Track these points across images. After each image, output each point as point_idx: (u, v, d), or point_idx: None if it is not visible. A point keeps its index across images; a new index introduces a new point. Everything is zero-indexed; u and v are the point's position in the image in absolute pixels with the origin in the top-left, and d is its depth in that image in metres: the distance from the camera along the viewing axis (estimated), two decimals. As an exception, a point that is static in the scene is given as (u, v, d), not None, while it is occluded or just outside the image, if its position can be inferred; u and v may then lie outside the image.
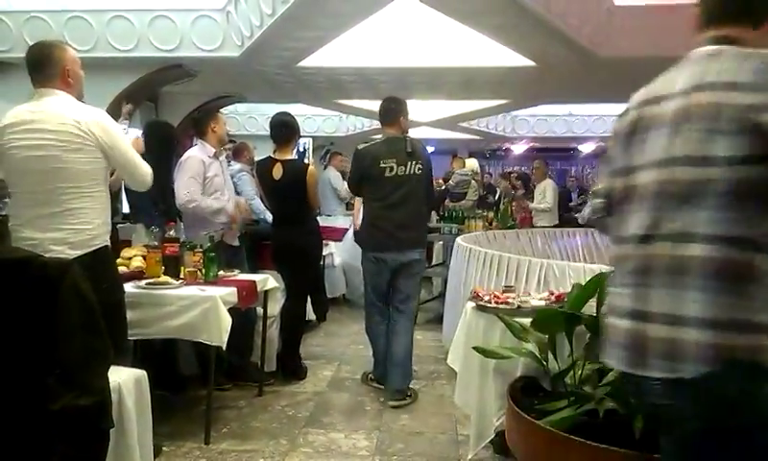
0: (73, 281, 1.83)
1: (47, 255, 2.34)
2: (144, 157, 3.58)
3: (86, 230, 2.43)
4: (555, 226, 7.10)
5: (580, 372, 1.98)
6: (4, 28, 5.87)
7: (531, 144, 13.16)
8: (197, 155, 3.61)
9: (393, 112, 3.66)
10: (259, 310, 3.57)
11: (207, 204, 3.55)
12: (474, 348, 2.21)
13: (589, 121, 11.25)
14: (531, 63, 6.22)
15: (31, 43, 6.01)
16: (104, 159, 2.47)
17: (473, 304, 2.50)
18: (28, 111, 2.42)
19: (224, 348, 2.83)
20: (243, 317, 3.40)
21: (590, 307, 2.07)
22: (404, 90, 7.96)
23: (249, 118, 10.71)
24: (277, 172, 3.79)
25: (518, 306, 2.36)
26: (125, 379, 2.26)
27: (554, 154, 14.41)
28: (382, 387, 3.67)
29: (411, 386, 3.67)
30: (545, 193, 7.43)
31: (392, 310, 3.68)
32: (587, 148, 13.58)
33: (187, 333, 2.80)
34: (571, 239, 6.34)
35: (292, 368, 3.83)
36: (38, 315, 1.74)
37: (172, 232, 3.17)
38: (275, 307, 3.66)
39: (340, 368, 4.13)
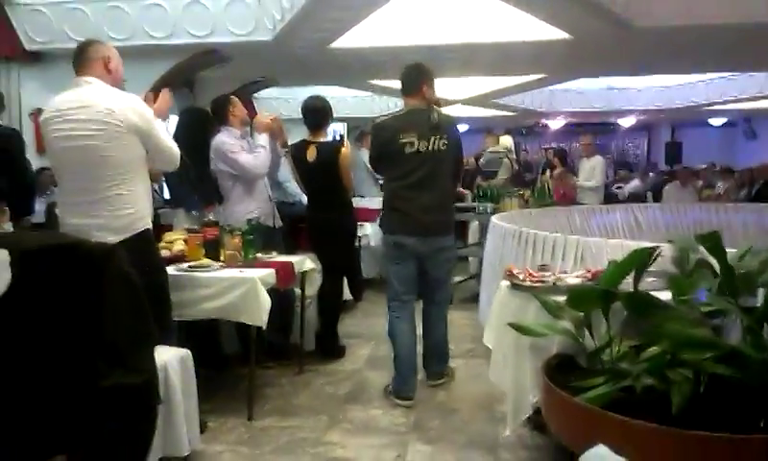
0: (118, 265, 1.90)
1: (92, 241, 2.45)
2: (180, 143, 3.69)
3: (128, 215, 2.50)
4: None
5: (617, 349, 1.96)
6: (44, 20, 6.03)
7: (568, 120, 12.88)
8: (225, 138, 3.68)
9: (414, 80, 3.24)
10: (298, 291, 3.64)
11: (263, 155, 3.71)
12: (509, 324, 2.21)
13: (629, 94, 10.94)
14: (566, 36, 6.08)
15: (71, 34, 6.24)
16: (141, 145, 2.54)
17: (507, 283, 2.50)
18: (66, 101, 2.50)
19: (264, 327, 2.90)
20: (282, 298, 3.47)
21: (627, 284, 2.05)
22: (437, 68, 7.84)
23: (283, 102, 10.80)
24: (311, 154, 3.82)
25: (554, 284, 2.34)
26: (170, 358, 2.34)
27: (592, 128, 14.07)
28: (404, 402, 3.24)
29: (449, 364, 3.64)
30: (595, 170, 7.26)
31: (423, 303, 3.44)
32: (626, 122, 13.21)
33: (228, 314, 2.88)
34: (611, 215, 6.23)
35: (330, 347, 3.90)
36: (86, 298, 1.81)
37: (211, 216, 3.26)
38: (312, 288, 3.73)
39: (377, 347, 4.18)
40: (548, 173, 8.72)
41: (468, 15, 5.83)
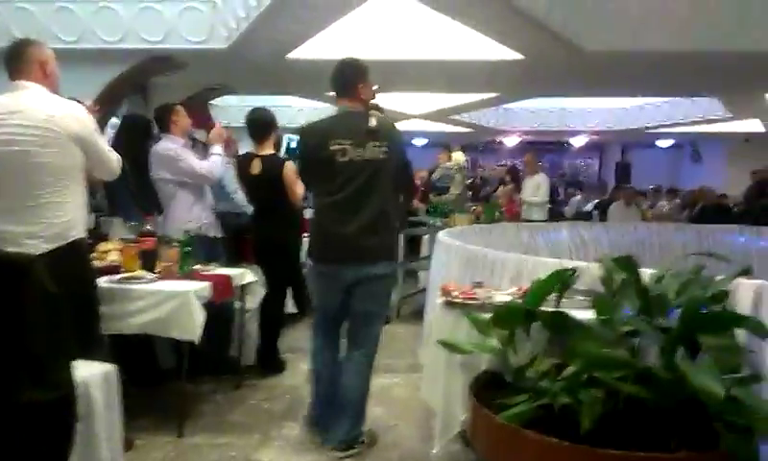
0: (36, 277, 1.85)
1: (21, 249, 2.37)
2: (120, 150, 3.61)
3: (61, 224, 2.44)
4: (545, 220, 7.11)
5: (540, 366, 2.00)
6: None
7: (523, 137, 13.17)
8: (170, 144, 3.64)
9: (348, 80, 2.78)
10: (240, 304, 3.59)
11: (218, 161, 3.69)
12: (439, 341, 2.23)
13: (581, 114, 11.28)
14: (518, 57, 6.23)
15: (17, 34, 6.07)
16: (79, 153, 2.48)
17: (442, 300, 2.52)
18: (2, 106, 2.43)
19: (197, 343, 2.84)
20: (220, 311, 3.42)
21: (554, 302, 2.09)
22: (392, 84, 7.98)
23: (240, 110, 10.70)
24: (256, 167, 3.79)
25: (484, 302, 2.38)
26: (93, 374, 2.27)
27: (546, 147, 14.43)
28: (320, 434, 2.91)
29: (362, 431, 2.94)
30: (540, 187, 7.43)
31: (346, 340, 2.91)
32: (578, 141, 13.59)
33: (160, 329, 2.82)
34: (557, 233, 6.36)
35: (270, 362, 3.85)
36: (3, 310, 1.75)
37: (149, 226, 3.19)
38: (253, 301, 3.68)
39: (320, 361, 4.15)
40: (501, 189, 8.90)
41: (424, 33, 5.92)
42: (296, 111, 10.61)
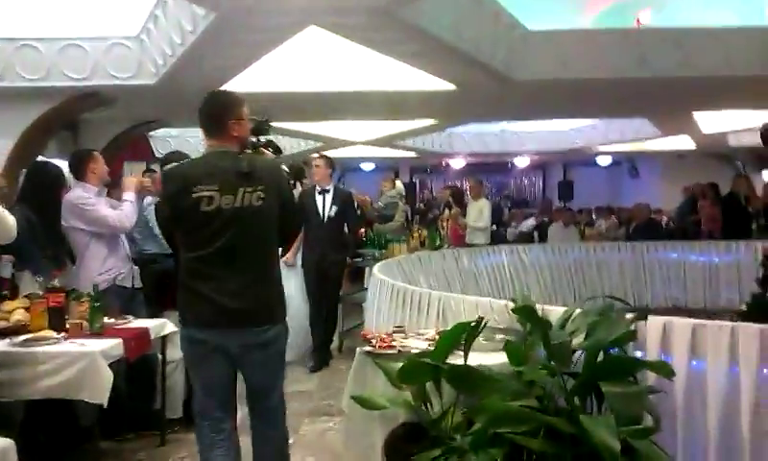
0: None
1: None
2: (27, 200, 3.44)
3: None
4: (487, 245, 7.18)
5: (451, 419, 1.97)
6: None
7: (468, 160, 13.36)
8: (81, 193, 3.50)
9: (216, 118, 2.40)
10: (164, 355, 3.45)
11: (129, 208, 3.55)
12: (353, 397, 2.17)
13: (522, 136, 11.52)
14: (452, 87, 6.32)
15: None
16: None
17: (362, 349, 2.47)
18: None
19: (105, 405, 2.70)
20: (142, 363, 3.27)
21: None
22: (332, 112, 7.98)
23: (183, 141, 10.50)
24: None
25: (400, 350, 2.34)
26: (-15, 452, 2.11)
27: (491, 167, 14.66)
28: None
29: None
30: (483, 212, 7.51)
31: (249, 418, 2.49)
32: (522, 162, 13.86)
33: (66, 392, 2.66)
34: (497, 256, 6.44)
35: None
36: None
37: (56, 282, 3.03)
38: (175, 352, 3.53)
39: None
40: (447, 212, 8.94)
41: (359, 65, 5.93)
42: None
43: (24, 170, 3.68)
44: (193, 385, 2.53)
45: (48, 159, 5.62)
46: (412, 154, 12.27)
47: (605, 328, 2.06)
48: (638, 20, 6.40)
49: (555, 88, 6.53)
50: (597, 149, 11.67)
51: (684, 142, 10.65)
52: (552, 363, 1.94)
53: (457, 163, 13.87)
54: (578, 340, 2.12)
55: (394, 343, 2.42)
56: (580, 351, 2.05)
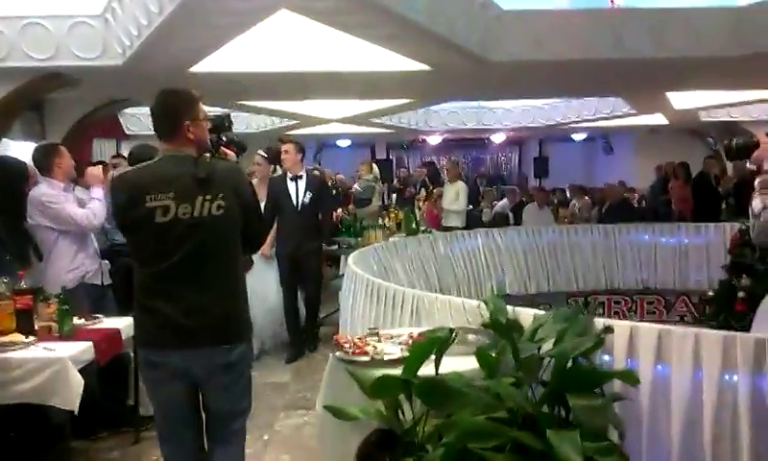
0: None
1: None
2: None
3: None
4: (462, 228, 7.20)
5: (423, 429, 1.98)
6: None
7: (445, 136, 13.32)
8: (46, 189, 3.41)
9: (170, 118, 2.21)
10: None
11: (98, 206, 3.48)
12: (325, 406, 2.18)
13: (498, 113, 11.50)
14: (427, 68, 6.26)
15: None
16: None
17: (335, 354, 2.46)
18: None
19: (76, 412, 2.67)
20: (114, 361, 3.24)
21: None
22: (305, 92, 7.87)
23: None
24: None
25: (373, 357, 2.34)
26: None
27: (467, 143, 14.66)
28: None
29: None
30: (459, 195, 7.52)
31: (207, 441, 2.33)
32: (498, 138, 13.88)
33: (37, 398, 2.64)
34: (473, 240, 6.46)
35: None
36: None
37: (23, 283, 2.96)
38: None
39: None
40: (423, 192, 8.94)
41: (334, 45, 5.82)
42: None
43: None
44: (153, 408, 2.36)
45: (7, 155, 5.47)
46: (386, 131, 12.20)
47: (573, 335, 2.09)
48: (612, 0, 6.40)
49: (530, 69, 6.52)
50: (572, 125, 11.73)
51: (657, 118, 10.77)
52: (521, 373, 1.97)
53: (434, 140, 13.83)
54: (547, 346, 2.15)
55: (367, 348, 2.42)
56: (549, 359, 2.08)
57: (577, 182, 11.06)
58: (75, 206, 3.44)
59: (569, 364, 1.99)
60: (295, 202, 5.07)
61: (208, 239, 2.18)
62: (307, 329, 5.24)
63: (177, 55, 5.52)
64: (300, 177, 5.13)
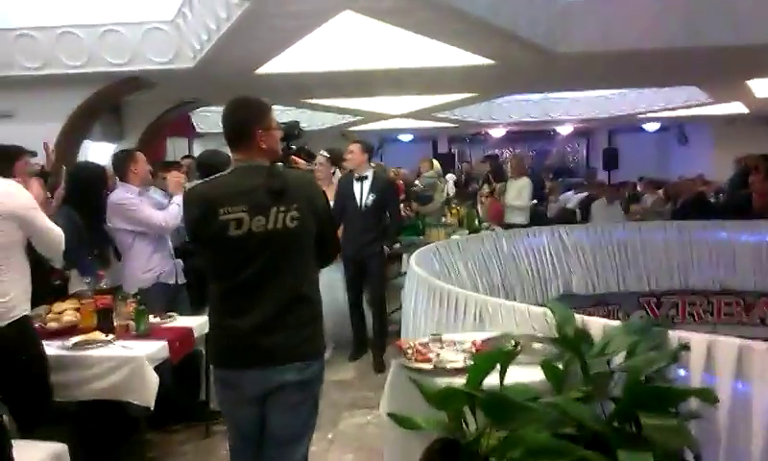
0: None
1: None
2: (73, 201, 3.54)
3: (2, 304, 2.39)
4: (526, 225, 7.05)
5: (487, 441, 1.96)
6: (-49, 48, 5.75)
7: (509, 128, 13.08)
8: (123, 194, 3.58)
9: (240, 126, 2.15)
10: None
11: (175, 210, 3.57)
12: (388, 414, 2.19)
13: (565, 103, 11.17)
14: (491, 62, 6.16)
15: (-21, 62, 5.94)
16: (16, 229, 2.43)
17: (397, 361, 2.47)
18: None
19: (152, 409, 2.80)
20: (188, 356, 3.37)
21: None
22: (369, 90, 7.91)
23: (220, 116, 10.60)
24: None
25: (436, 366, 2.33)
26: (42, 458, 2.23)
27: (532, 135, 14.33)
28: None
29: None
30: (522, 192, 7.36)
31: None
32: (564, 130, 13.50)
33: (116, 394, 2.78)
34: (538, 238, 6.30)
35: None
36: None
37: (103, 284, 3.13)
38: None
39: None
40: (486, 187, 8.80)
41: (397, 42, 5.82)
42: (278, 113, 10.51)
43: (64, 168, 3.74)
44: (227, 425, 2.32)
45: (87, 160, 5.76)
46: (448, 125, 12.10)
47: (646, 349, 2.01)
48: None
49: (599, 60, 6.30)
50: (644, 115, 11.25)
51: (736, 107, 10.18)
52: (589, 388, 1.91)
53: (497, 132, 13.61)
54: (617, 359, 2.08)
55: (430, 355, 2.41)
56: (619, 373, 2.01)
57: (649, 175, 10.60)
58: (151, 208, 3.60)
59: (642, 379, 1.92)
60: (358, 203, 4.94)
61: (283, 252, 2.12)
62: (375, 332, 5.09)
63: (244, 57, 5.67)
64: (366, 177, 4.97)
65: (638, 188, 10.11)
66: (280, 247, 2.12)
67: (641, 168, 12.28)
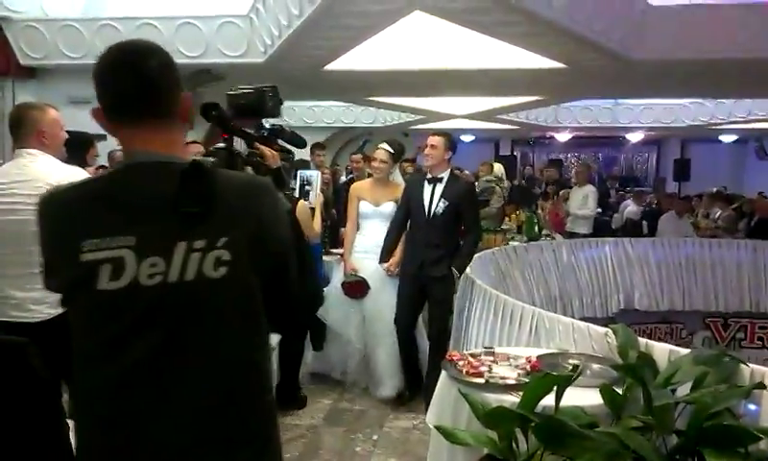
0: (28, 361, 1.89)
1: (27, 313, 2.46)
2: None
3: None
4: (589, 234, 6.85)
5: (540, 464, 1.91)
6: (39, 36, 6.10)
7: (575, 133, 12.74)
8: None
9: (155, 84, 1.16)
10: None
11: None
12: (436, 427, 2.16)
13: (636, 111, 10.77)
14: (561, 66, 6.01)
15: (64, 50, 6.28)
16: None
17: (447, 373, 2.44)
18: (6, 174, 2.50)
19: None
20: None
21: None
22: (435, 90, 7.86)
23: (287, 109, 10.81)
24: None
25: (488, 381, 2.28)
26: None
27: (600, 140, 13.90)
28: None
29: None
30: (588, 199, 7.15)
31: None
32: (634, 137, 13.02)
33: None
34: (600, 249, 6.10)
35: (290, 397, 3.85)
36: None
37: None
38: (271, 338, 3.69)
39: (341, 395, 4.11)
40: (548, 194, 8.61)
41: (464, 43, 5.77)
42: (341, 110, 10.62)
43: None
44: None
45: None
46: (512, 126, 11.89)
47: (714, 381, 1.91)
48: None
49: (676, 68, 6.05)
50: (720, 127, 10.72)
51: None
52: (651, 418, 1.83)
53: (563, 136, 13.28)
54: (683, 390, 1.98)
55: (482, 369, 2.37)
56: (683, 405, 1.92)
57: (722, 188, 10.08)
58: None
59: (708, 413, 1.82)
60: (426, 210, 3.89)
61: (197, 323, 1.15)
62: (429, 374, 3.84)
63: (312, 54, 5.75)
64: (440, 179, 3.91)
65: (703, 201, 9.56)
66: (191, 314, 1.14)
67: (714, 181, 11.71)
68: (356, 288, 4.12)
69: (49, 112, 2.54)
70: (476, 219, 4.24)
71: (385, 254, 4.08)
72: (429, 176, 3.99)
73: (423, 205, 3.93)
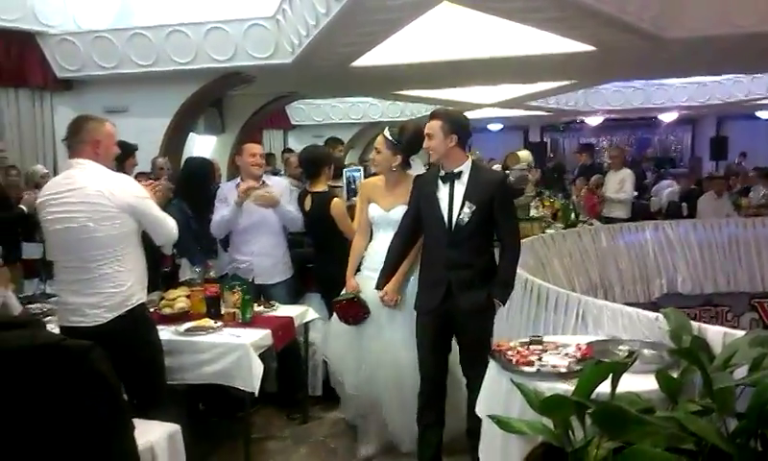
0: (94, 364, 1.94)
1: (84, 318, 2.53)
2: (185, 194, 3.74)
3: (120, 293, 2.55)
4: (627, 219, 6.72)
5: (596, 451, 1.89)
6: (73, 48, 6.23)
7: (606, 116, 12.50)
8: (225, 185, 3.69)
9: None
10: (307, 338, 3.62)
11: (216, 218, 3.58)
12: (489, 416, 2.16)
13: (669, 90, 10.50)
14: (591, 48, 5.89)
15: (99, 62, 6.41)
16: (133, 222, 2.59)
17: (494, 362, 2.43)
18: (58, 184, 2.57)
19: (256, 394, 2.92)
20: (289, 346, 3.46)
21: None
22: (462, 80, 7.80)
23: (314, 107, 10.86)
24: (308, 204, 3.78)
25: (539, 369, 2.27)
26: (158, 438, 2.37)
27: (632, 123, 13.60)
28: None
29: None
30: (624, 183, 7.02)
31: None
32: (668, 117, 12.71)
33: (223, 379, 2.92)
34: (640, 234, 6.01)
35: (335, 393, 3.89)
36: (61, 398, 1.86)
37: (212, 273, 3.30)
38: (317, 335, 3.72)
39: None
40: (581, 179, 8.46)
41: (490, 31, 5.70)
42: (368, 106, 10.62)
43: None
44: None
45: (194, 156, 6.04)
46: (542, 113, 11.72)
47: (774, 363, 1.86)
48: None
49: (712, 45, 5.86)
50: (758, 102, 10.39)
51: None
52: (710, 401, 1.80)
53: (594, 120, 13.04)
54: (740, 372, 1.94)
55: (532, 358, 2.36)
56: (742, 387, 1.88)
57: (762, 166, 9.76)
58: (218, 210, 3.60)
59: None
60: (446, 219, 2.79)
61: None
62: (471, 426, 2.79)
63: (340, 51, 5.75)
64: (459, 175, 2.80)
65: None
66: None
67: (753, 159, 11.36)
68: (349, 310, 3.14)
69: (106, 126, 2.61)
70: (514, 227, 2.92)
71: (382, 278, 2.99)
72: (443, 172, 2.84)
73: (441, 212, 2.80)
